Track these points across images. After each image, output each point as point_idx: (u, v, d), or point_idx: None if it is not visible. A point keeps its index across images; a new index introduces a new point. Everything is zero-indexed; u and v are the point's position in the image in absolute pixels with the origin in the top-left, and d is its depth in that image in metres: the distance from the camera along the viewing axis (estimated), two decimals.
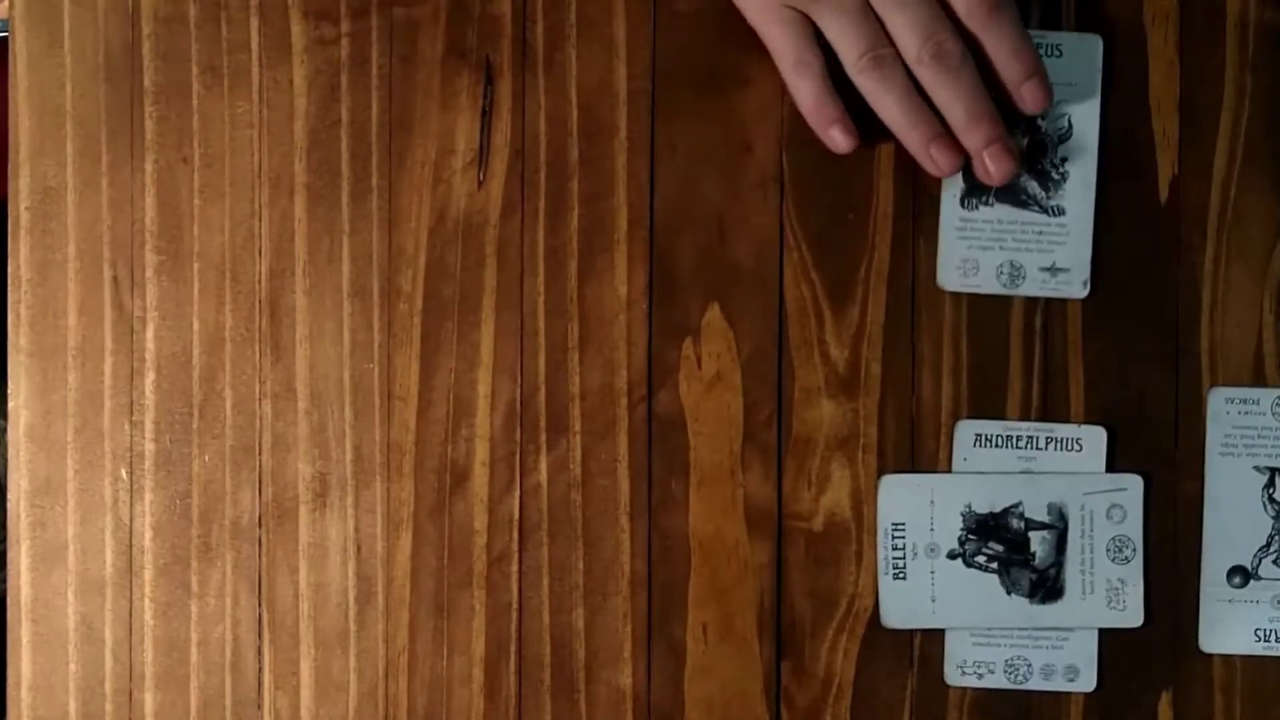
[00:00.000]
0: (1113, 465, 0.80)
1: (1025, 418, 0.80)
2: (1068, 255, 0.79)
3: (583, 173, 0.80)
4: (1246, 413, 0.79)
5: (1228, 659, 0.80)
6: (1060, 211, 0.79)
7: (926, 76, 0.75)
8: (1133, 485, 0.79)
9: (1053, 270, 0.79)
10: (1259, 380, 0.80)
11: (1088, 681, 0.80)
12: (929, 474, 0.80)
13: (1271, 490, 0.79)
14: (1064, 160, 0.79)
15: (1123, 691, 0.80)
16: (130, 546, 0.81)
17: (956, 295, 0.80)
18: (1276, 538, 0.79)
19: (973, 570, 0.80)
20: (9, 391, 0.81)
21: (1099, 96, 0.79)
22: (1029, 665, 0.80)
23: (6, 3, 0.85)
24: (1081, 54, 0.79)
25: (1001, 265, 0.79)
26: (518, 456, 0.81)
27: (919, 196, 0.80)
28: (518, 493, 0.81)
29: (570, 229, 0.80)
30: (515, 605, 0.81)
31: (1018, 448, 0.80)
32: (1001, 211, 0.79)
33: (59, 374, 0.81)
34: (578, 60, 0.80)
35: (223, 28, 0.81)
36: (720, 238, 0.80)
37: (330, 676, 0.81)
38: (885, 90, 0.76)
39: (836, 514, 0.80)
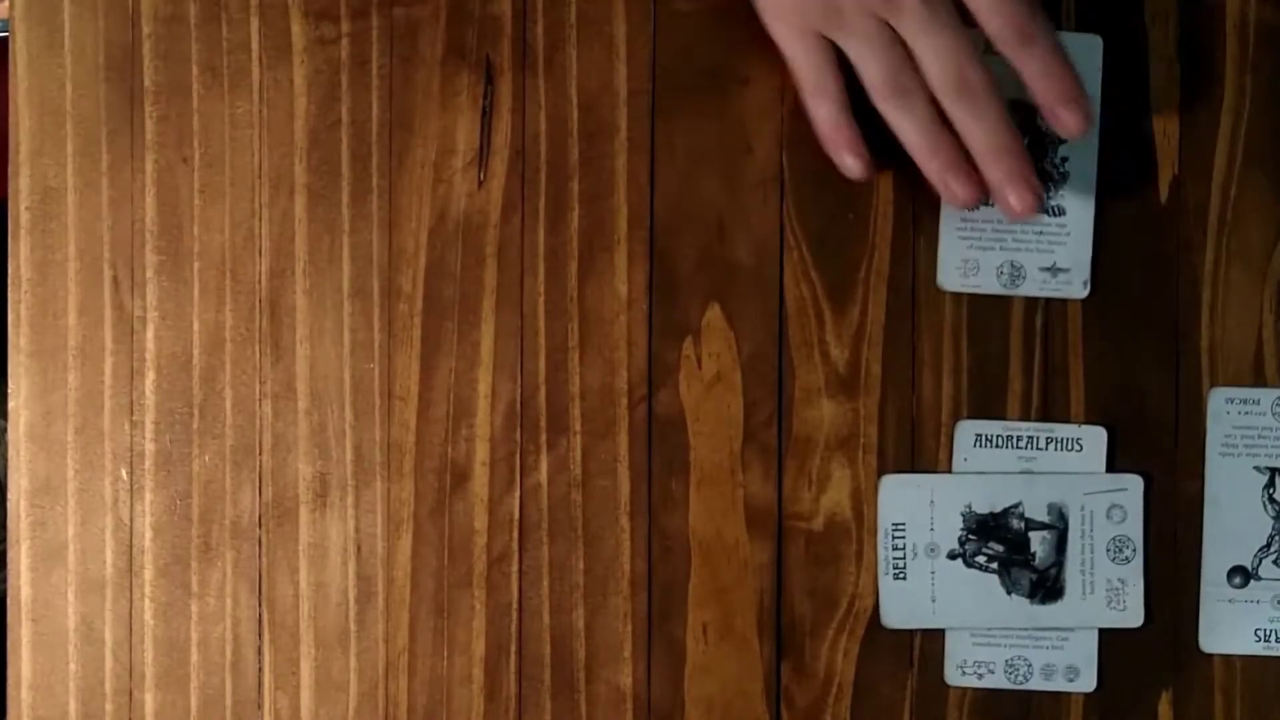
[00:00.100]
0: (1113, 465, 0.80)
1: (1025, 418, 0.80)
2: (1068, 255, 0.79)
3: (583, 173, 0.80)
4: (1246, 413, 0.79)
5: (1228, 659, 0.80)
6: (1060, 211, 0.79)
7: (950, 107, 0.74)
8: (1133, 485, 0.79)
9: (1053, 270, 0.79)
10: (1259, 380, 0.80)
11: (1088, 681, 0.80)
12: (929, 474, 0.80)
13: (1271, 490, 0.79)
14: (1064, 160, 0.79)
15: (1123, 691, 0.80)
16: (130, 546, 0.81)
17: (956, 295, 0.80)
18: (1277, 538, 0.79)
19: (973, 570, 0.80)
20: (9, 391, 0.81)
21: (1099, 96, 0.79)
22: (1029, 665, 0.80)
23: (6, 3, 0.85)
24: (1081, 54, 0.78)
25: (1001, 265, 0.79)
26: (518, 456, 0.81)
27: (919, 196, 0.80)
28: (518, 493, 0.81)
29: (570, 229, 0.80)
30: (515, 605, 0.81)
31: (1018, 448, 0.80)
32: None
33: (59, 374, 0.81)
34: (578, 60, 0.80)
35: (223, 28, 0.81)
36: (720, 238, 0.80)
37: (330, 676, 0.81)
38: (908, 119, 0.75)
39: (837, 514, 0.80)
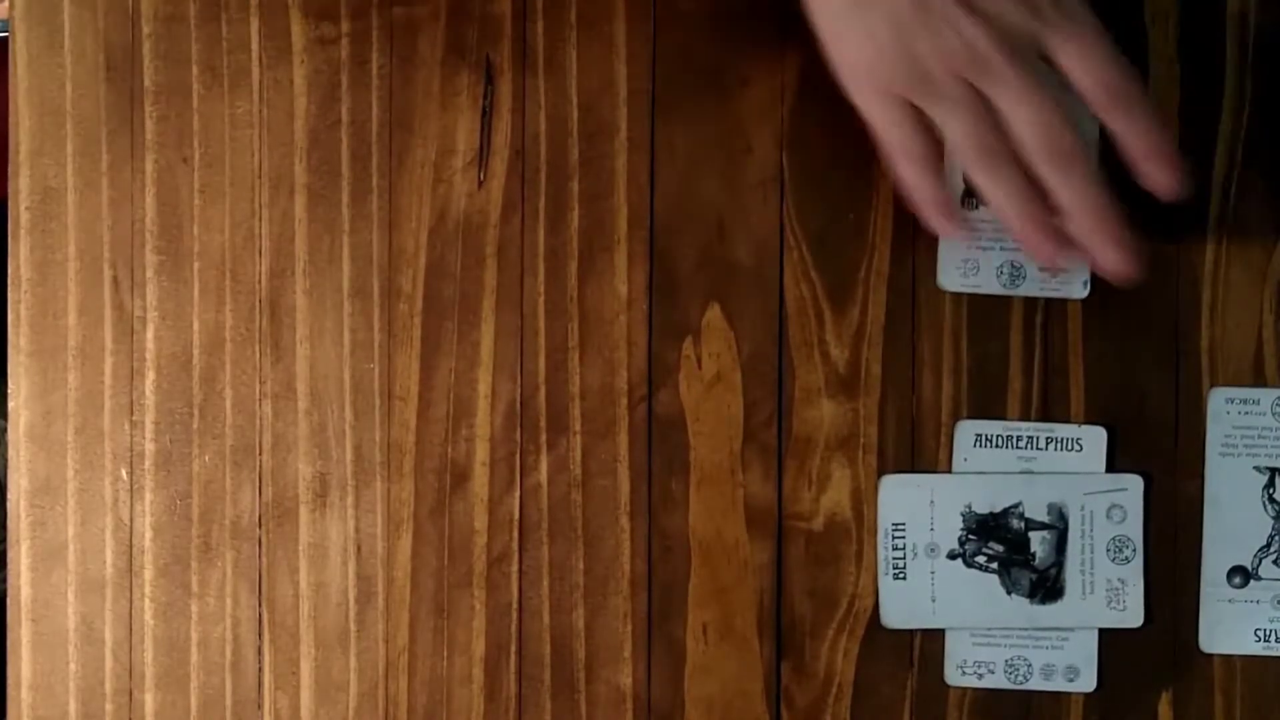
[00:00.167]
0: (1113, 465, 0.80)
1: (1025, 418, 0.80)
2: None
3: (583, 173, 0.80)
4: (1246, 413, 0.79)
5: (1228, 659, 0.80)
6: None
7: (1041, 169, 0.73)
8: (1133, 485, 0.79)
9: (1053, 270, 0.79)
10: (1259, 380, 0.80)
11: (1088, 681, 0.80)
12: (929, 474, 0.80)
13: (1271, 490, 0.79)
14: None
15: (1123, 691, 0.80)
16: (130, 546, 0.81)
17: (956, 295, 0.80)
18: (1276, 538, 0.79)
19: (973, 570, 0.80)
20: (9, 391, 0.81)
21: None
22: (1029, 665, 0.80)
23: (6, 3, 0.85)
24: None
25: (1001, 265, 0.79)
26: (518, 456, 0.81)
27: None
28: (518, 493, 0.81)
29: (570, 229, 0.80)
30: (515, 605, 0.81)
31: (1018, 448, 0.80)
32: None
33: (59, 374, 0.81)
34: (578, 60, 0.80)
35: (223, 28, 0.81)
36: (720, 238, 0.80)
37: (330, 676, 0.81)
38: (997, 183, 0.73)
39: (837, 514, 0.80)
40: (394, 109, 0.81)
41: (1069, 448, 0.79)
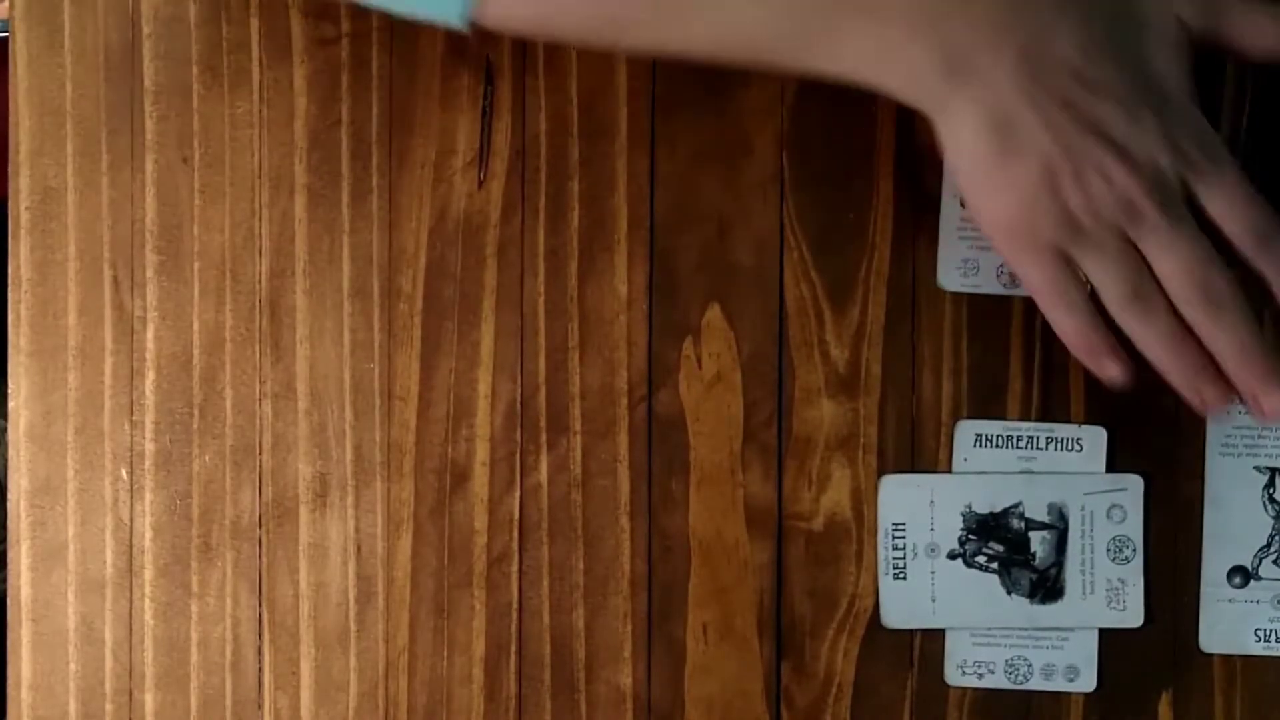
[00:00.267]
0: (1113, 465, 0.80)
1: (1025, 418, 0.80)
2: None
3: (583, 173, 0.80)
4: (1246, 412, 0.79)
5: (1228, 659, 0.80)
6: None
7: (1193, 315, 0.72)
8: (1133, 485, 0.79)
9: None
10: None
11: (1088, 681, 0.80)
12: (929, 474, 0.80)
13: (1271, 490, 0.79)
14: None
15: (1123, 691, 0.80)
16: (130, 546, 0.81)
17: (956, 295, 0.80)
18: (1277, 538, 0.79)
19: (973, 570, 0.80)
20: (9, 391, 0.81)
21: None
22: (1029, 665, 0.80)
23: (6, 3, 0.85)
24: None
25: (1001, 265, 0.79)
26: (518, 456, 0.81)
27: (919, 196, 0.80)
28: (518, 493, 0.81)
29: (570, 229, 0.80)
30: (515, 605, 0.81)
31: (1018, 448, 0.80)
32: None
33: (59, 374, 0.81)
34: (578, 60, 0.80)
35: (223, 28, 0.81)
36: (720, 238, 0.80)
37: (330, 676, 0.81)
38: (1150, 330, 0.72)
39: (837, 514, 0.80)
40: (394, 109, 0.81)
41: (1069, 448, 0.79)
